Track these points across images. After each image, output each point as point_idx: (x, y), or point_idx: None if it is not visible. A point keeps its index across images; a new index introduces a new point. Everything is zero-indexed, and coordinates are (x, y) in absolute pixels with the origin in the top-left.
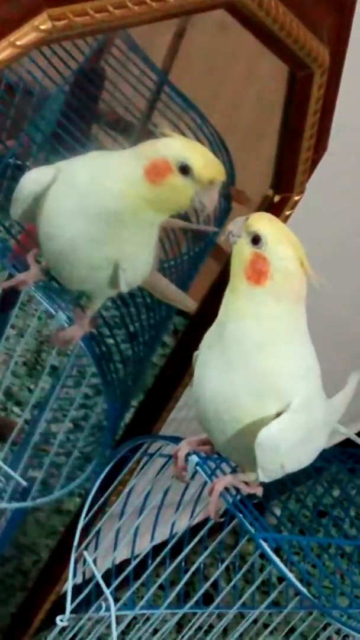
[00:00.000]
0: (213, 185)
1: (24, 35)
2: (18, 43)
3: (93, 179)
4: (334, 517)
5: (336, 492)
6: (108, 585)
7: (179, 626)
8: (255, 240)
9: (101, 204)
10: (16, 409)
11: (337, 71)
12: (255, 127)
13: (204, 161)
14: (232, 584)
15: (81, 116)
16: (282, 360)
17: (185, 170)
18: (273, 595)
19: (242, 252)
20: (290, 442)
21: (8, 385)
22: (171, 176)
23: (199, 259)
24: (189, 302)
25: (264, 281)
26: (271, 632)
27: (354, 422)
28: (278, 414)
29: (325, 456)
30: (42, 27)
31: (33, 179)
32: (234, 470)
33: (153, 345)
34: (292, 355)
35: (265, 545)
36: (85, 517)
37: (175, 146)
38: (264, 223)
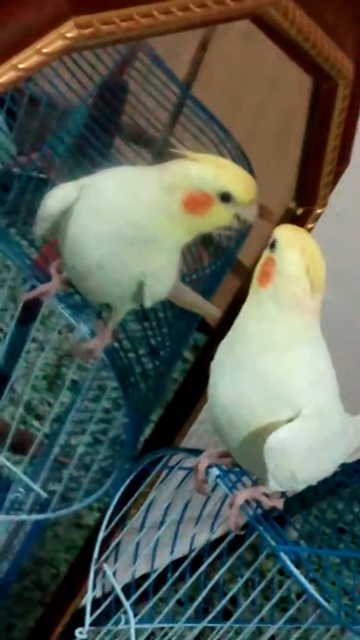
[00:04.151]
0: (252, 202)
1: (50, 43)
2: (44, 51)
3: (124, 204)
4: (354, 533)
5: (357, 508)
6: (127, 599)
7: None
8: (273, 245)
9: (134, 230)
10: (36, 423)
11: None
12: (277, 139)
13: (243, 185)
14: (250, 598)
15: (104, 129)
16: (289, 366)
17: (226, 198)
18: (292, 610)
19: (262, 258)
20: (300, 448)
21: (28, 399)
22: (213, 207)
23: (220, 273)
24: (213, 310)
25: (267, 283)
26: None
27: None
28: (289, 421)
29: (347, 470)
30: (69, 34)
31: (57, 198)
32: (254, 483)
33: (173, 360)
34: (300, 362)
35: (285, 558)
36: (105, 530)
37: (212, 176)
38: (284, 229)
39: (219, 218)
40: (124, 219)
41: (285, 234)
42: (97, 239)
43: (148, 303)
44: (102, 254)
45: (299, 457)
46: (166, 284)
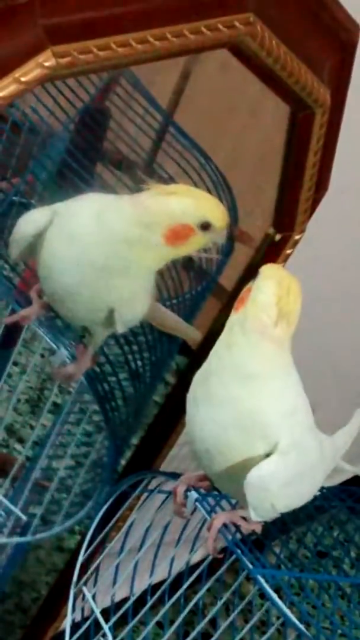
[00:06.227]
0: (226, 227)
1: (28, 72)
2: (22, 79)
3: (96, 234)
4: (334, 557)
5: (336, 532)
6: (106, 622)
7: None
8: (255, 277)
9: (105, 260)
10: (18, 446)
11: (339, 111)
12: (257, 166)
13: (220, 213)
14: (229, 620)
15: (86, 155)
16: (262, 399)
17: (206, 226)
18: (270, 632)
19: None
20: (279, 482)
21: (10, 422)
22: (194, 237)
23: (201, 297)
24: (194, 333)
25: (240, 308)
26: None
27: None
28: (267, 454)
29: (326, 495)
30: (46, 64)
31: (29, 221)
32: (233, 507)
33: (155, 384)
34: (273, 394)
35: (263, 581)
36: (85, 553)
37: (192, 208)
38: (269, 265)
39: (197, 245)
40: (96, 248)
41: (268, 267)
42: (68, 265)
43: (120, 329)
44: (72, 280)
45: (279, 490)
46: (138, 310)
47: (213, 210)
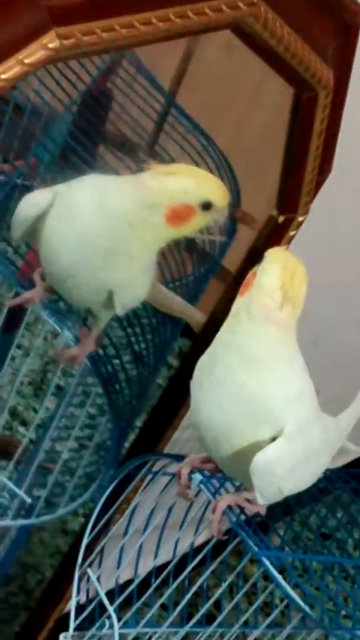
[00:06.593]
0: (227, 206)
1: (32, 54)
2: (26, 61)
3: (96, 215)
4: (338, 539)
5: (339, 514)
6: (111, 604)
7: None
8: (260, 261)
9: (105, 241)
10: (21, 429)
11: (342, 92)
12: (260, 148)
13: (221, 192)
14: (233, 602)
15: (88, 137)
16: (268, 384)
17: (207, 206)
18: (274, 614)
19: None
20: (285, 466)
21: (14, 405)
22: (195, 217)
23: (204, 279)
24: (197, 315)
25: (245, 293)
26: None
27: None
28: (273, 439)
29: (329, 477)
30: (50, 45)
31: (30, 203)
32: (237, 489)
33: (158, 366)
34: (278, 379)
35: (267, 562)
36: (89, 535)
37: (193, 187)
38: (274, 249)
39: (198, 225)
40: (96, 229)
41: (273, 251)
42: (68, 245)
43: (119, 311)
44: (72, 261)
45: (285, 474)
46: (137, 292)
47: (214, 189)
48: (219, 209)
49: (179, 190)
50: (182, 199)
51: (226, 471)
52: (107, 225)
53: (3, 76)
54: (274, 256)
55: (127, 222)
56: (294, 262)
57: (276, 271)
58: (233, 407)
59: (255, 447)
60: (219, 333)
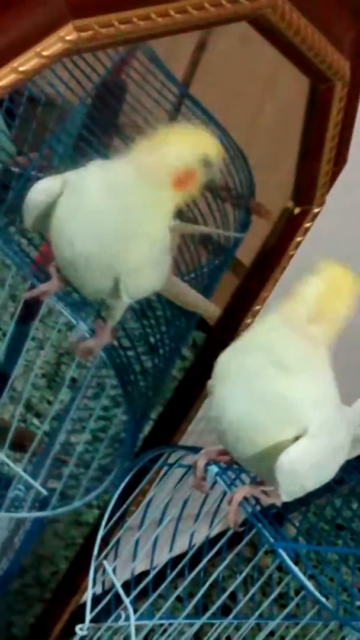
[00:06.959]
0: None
1: (50, 46)
2: (44, 54)
3: (109, 196)
4: (352, 530)
5: (355, 505)
6: (127, 596)
7: (197, 637)
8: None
9: (119, 225)
10: (36, 421)
11: (358, 84)
12: (275, 140)
13: (215, 147)
14: (249, 595)
15: (102, 128)
16: (295, 387)
17: (207, 163)
18: (291, 606)
19: None
20: (308, 465)
21: (28, 398)
22: (197, 176)
23: (218, 271)
24: (212, 308)
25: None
26: None
27: None
28: (296, 437)
29: (345, 467)
30: (68, 37)
31: (39, 190)
32: (253, 480)
33: (173, 358)
34: (307, 382)
35: (284, 554)
36: (105, 527)
37: (191, 149)
38: (325, 261)
39: (199, 182)
40: (106, 213)
41: (325, 263)
42: (79, 231)
43: (125, 299)
44: (82, 247)
45: (308, 472)
46: (145, 281)
47: (210, 144)
48: (214, 162)
49: (179, 157)
50: (184, 164)
51: (244, 464)
52: (118, 208)
53: (21, 68)
54: (322, 267)
55: (139, 204)
56: (343, 279)
57: (318, 284)
58: (260, 407)
59: (279, 446)
60: (251, 331)
